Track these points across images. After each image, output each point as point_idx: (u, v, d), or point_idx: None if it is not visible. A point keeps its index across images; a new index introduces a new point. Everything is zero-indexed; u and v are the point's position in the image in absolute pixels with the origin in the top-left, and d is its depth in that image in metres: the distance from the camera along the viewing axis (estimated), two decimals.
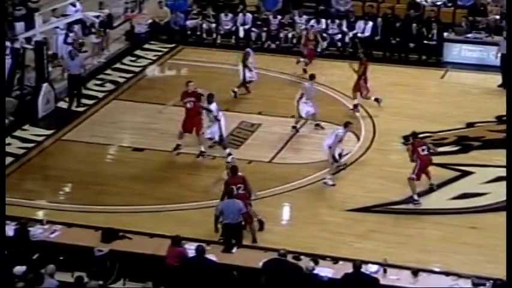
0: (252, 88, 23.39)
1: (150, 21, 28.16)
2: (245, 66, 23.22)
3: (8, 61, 22.31)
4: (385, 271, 14.44)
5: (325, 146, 19.13)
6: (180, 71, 26.21)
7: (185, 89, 20.20)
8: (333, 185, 18.81)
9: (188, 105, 20.09)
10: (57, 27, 24.63)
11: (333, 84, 24.07)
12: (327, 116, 21.65)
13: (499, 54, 24.38)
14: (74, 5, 25.91)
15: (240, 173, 16.90)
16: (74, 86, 23.13)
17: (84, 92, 23.56)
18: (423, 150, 18.08)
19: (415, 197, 17.95)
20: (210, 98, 20.03)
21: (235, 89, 23.15)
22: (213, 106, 19.97)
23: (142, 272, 14.76)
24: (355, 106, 22.43)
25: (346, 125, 19.13)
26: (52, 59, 24.23)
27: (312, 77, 21.60)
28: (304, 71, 24.70)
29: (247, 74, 23.24)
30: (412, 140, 18.56)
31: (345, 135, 19.11)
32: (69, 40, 24.87)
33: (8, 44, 22.69)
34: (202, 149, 20.07)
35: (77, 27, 25.26)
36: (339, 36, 27.08)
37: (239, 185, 16.55)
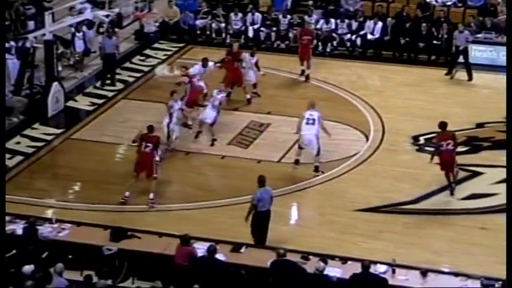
0: (260, 88, 23.30)
1: (159, 20, 28.18)
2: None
3: (14, 60, 22.36)
4: (393, 271, 14.43)
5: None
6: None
7: (231, 49, 22.90)
8: None
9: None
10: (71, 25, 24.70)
11: (342, 84, 24.06)
12: (336, 116, 21.59)
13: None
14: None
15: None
16: (109, 66, 24.05)
17: (93, 91, 23.75)
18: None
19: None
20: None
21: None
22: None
23: (151, 271, 14.78)
24: None
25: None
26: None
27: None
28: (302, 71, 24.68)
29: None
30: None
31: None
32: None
33: (12, 43, 22.73)
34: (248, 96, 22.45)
35: (84, 27, 25.34)
36: (348, 36, 27.03)
37: (149, 144, 17.79)
